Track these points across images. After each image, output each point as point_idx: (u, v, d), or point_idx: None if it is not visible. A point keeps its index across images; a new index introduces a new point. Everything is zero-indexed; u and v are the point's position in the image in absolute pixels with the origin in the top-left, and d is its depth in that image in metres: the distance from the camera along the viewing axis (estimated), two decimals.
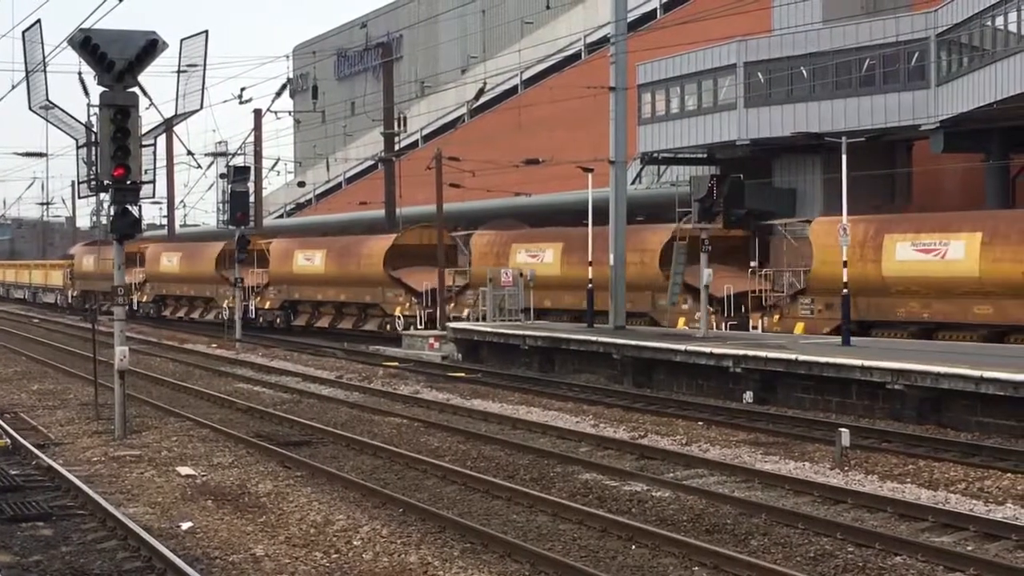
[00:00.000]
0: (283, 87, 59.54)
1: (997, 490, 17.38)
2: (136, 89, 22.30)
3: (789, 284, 36.58)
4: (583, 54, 70.19)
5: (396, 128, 59.75)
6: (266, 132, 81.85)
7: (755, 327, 36.45)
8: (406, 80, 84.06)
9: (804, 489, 17.54)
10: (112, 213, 22.95)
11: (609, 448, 21.69)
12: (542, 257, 44.46)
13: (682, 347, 29.92)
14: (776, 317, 36.32)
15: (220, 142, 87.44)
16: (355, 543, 14.60)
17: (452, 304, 47.08)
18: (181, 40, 23.30)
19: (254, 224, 52.78)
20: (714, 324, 36.91)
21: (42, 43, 22.95)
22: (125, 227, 22.81)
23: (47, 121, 23.66)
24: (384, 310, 50.00)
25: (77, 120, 23.03)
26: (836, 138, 32.19)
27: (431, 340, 42.40)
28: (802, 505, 16.75)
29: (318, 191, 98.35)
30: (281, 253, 55.92)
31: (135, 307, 64.28)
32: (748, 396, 27.70)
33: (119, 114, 21.93)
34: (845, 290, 30.33)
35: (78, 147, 23.16)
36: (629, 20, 42.03)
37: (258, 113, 66.46)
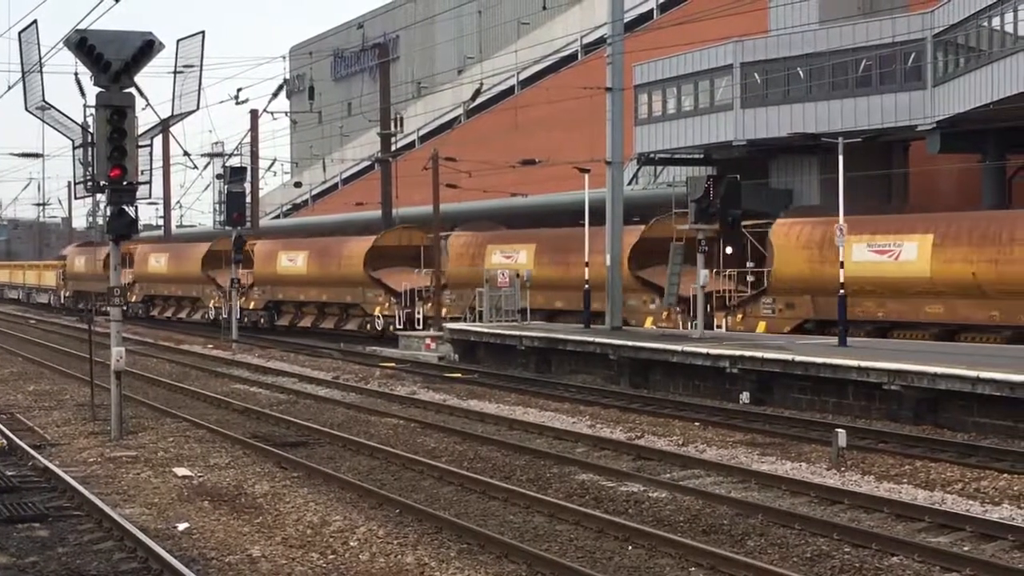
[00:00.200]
0: (279, 88, 59.56)
1: (994, 490, 17.38)
2: (132, 90, 22.27)
3: (751, 284, 36.93)
4: (580, 55, 70.21)
5: (392, 129, 59.76)
6: (262, 133, 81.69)
7: (719, 326, 37.08)
8: (403, 81, 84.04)
9: (801, 490, 17.54)
10: (108, 214, 22.94)
11: (606, 449, 21.69)
12: (516, 258, 45.40)
13: (679, 348, 29.93)
14: (739, 316, 36.76)
15: (216, 143, 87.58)
16: (352, 544, 14.59)
17: (430, 304, 47.84)
18: (177, 41, 23.27)
19: (250, 225, 52.85)
20: (680, 323, 37.59)
21: (38, 44, 22.93)
22: (122, 228, 22.80)
23: (43, 122, 23.63)
24: (365, 310, 50.94)
25: (73, 121, 22.99)
26: (833, 139, 32.20)
27: (428, 340, 42.43)
28: (799, 506, 16.75)
29: (314, 192, 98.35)
30: (265, 254, 56.39)
31: (125, 307, 64.43)
32: (745, 397, 27.71)
33: (115, 115, 21.91)
34: (842, 290, 30.33)
35: (74, 148, 23.11)
36: (626, 21, 42.01)
37: (254, 114, 66.50)
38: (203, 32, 23.12)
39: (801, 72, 46.36)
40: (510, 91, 77.52)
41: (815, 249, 35.32)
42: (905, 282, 32.27)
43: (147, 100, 23.02)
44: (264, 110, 62.71)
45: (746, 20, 45.93)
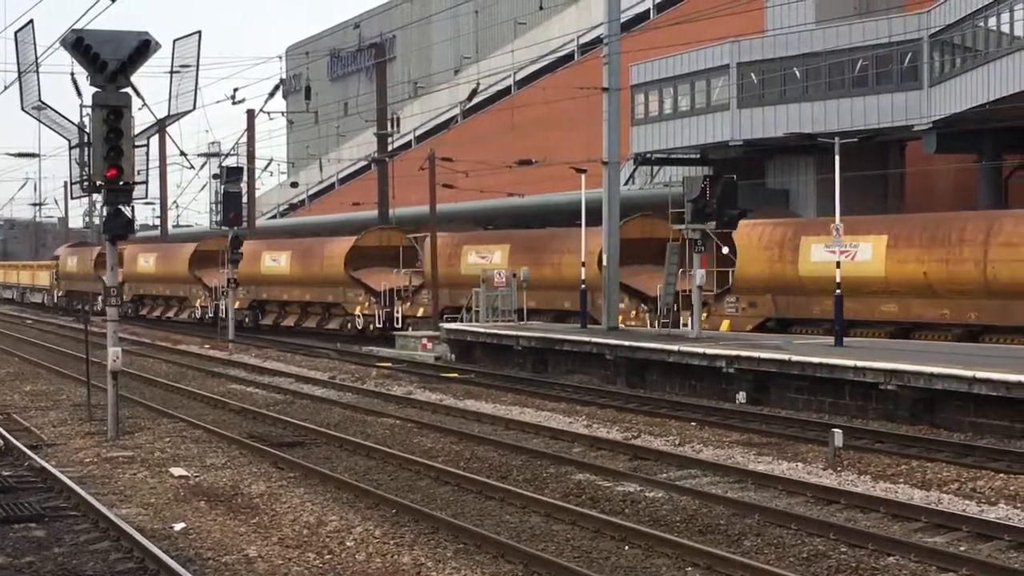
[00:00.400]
0: (276, 88, 59.46)
1: (990, 490, 17.39)
2: (129, 90, 22.25)
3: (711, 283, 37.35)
4: (576, 55, 70.26)
5: (389, 129, 59.78)
6: (259, 133, 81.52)
7: (685, 324, 37.45)
8: (399, 81, 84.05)
9: (797, 490, 17.54)
10: (105, 214, 22.92)
11: (602, 449, 21.69)
12: (491, 258, 46.10)
13: (675, 348, 29.93)
14: (704, 315, 37.13)
15: (213, 143, 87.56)
16: (348, 544, 14.59)
17: (408, 303, 48.63)
18: (174, 40, 23.26)
19: (247, 225, 52.83)
20: (647, 322, 38.10)
21: (34, 43, 22.90)
22: (118, 228, 22.77)
23: (40, 122, 23.62)
24: (345, 309, 51.90)
25: (70, 121, 22.98)
26: (829, 139, 32.23)
27: (424, 340, 42.45)
28: (795, 506, 16.75)
29: (311, 192, 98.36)
30: (249, 254, 56.65)
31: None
32: (741, 397, 27.71)
33: (112, 115, 21.89)
34: (838, 291, 30.33)
35: (71, 148, 23.09)
36: (622, 21, 42.06)
37: (251, 114, 66.41)
38: (199, 32, 23.14)
39: (797, 72, 46.42)
40: (507, 91, 77.54)
41: (776, 250, 36.15)
42: (861, 281, 32.85)
43: (143, 100, 22.97)
44: (260, 110, 62.45)
45: (742, 20, 45.97)
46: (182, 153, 58.34)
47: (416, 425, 24.88)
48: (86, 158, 22.36)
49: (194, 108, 23.47)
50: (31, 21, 22.83)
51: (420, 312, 48.09)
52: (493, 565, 13.64)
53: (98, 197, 24.38)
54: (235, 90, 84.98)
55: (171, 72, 23.26)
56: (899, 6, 48.32)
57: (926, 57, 42.92)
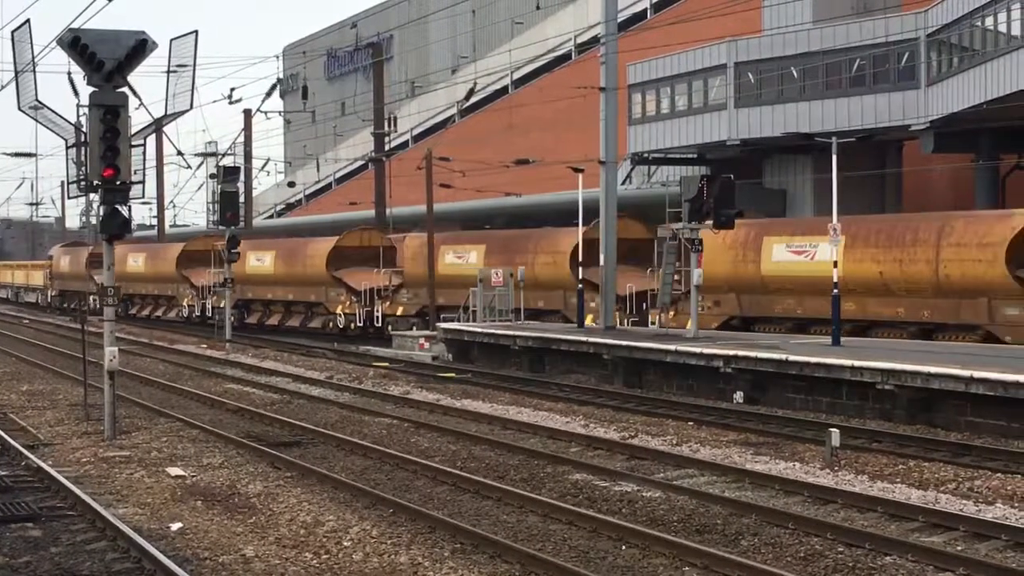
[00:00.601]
0: (273, 87, 59.38)
1: (987, 490, 17.40)
2: (126, 89, 22.24)
3: (676, 283, 37.56)
4: (573, 54, 70.26)
5: (386, 128, 59.74)
6: (256, 132, 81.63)
7: (653, 322, 38.33)
8: (396, 80, 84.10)
9: (794, 489, 17.55)
10: (102, 213, 22.89)
11: (599, 448, 21.68)
12: (467, 258, 46.87)
13: (673, 347, 29.94)
14: (672, 313, 37.42)
15: (210, 142, 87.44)
16: (345, 544, 14.58)
17: (388, 303, 49.24)
18: (171, 40, 23.24)
19: (244, 224, 52.78)
20: (618, 320, 38.38)
21: (31, 43, 22.87)
22: (115, 227, 22.74)
23: (36, 121, 23.57)
24: (327, 308, 52.72)
25: (66, 120, 22.96)
26: (826, 138, 32.21)
27: (422, 340, 42.46)
28: (792, 505, 16.75)
29: (308, 191, 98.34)
30: None
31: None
32: (739, 396, 27.72)
33: (108, 114, 21.87)
34: (836, 290, 30.33)
35: (67, 147, 23.07)
36: (619, 20, 42.03)
37: (248, 113, 66.38)
38: (196, 31, 23.11)
39: (795, 72, 46.41)
40: (504, 91, 77.55)
41: (739, 250, 36.69)
42: (820, 281, 33.00)
43: (140, 99, 22.95)
44: (258, 109, 62.84)
45: (740, 20, 46.02)
46: (179, 153, 58.21)
47: (413, 425, 24.88)
48: (83, 158, 22.35)
49: (191, 108, 23.44)
50: (28, 20, 22.80)
51: (400, 311, 48.95)
52: (490, 565, 13.64)
53: (95, 197, 24.31)
54: (232, 90, 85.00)
55: (168, 72, 23.24)
56: (896, 6, 48.33)
57: (923, 57, 42.93)
